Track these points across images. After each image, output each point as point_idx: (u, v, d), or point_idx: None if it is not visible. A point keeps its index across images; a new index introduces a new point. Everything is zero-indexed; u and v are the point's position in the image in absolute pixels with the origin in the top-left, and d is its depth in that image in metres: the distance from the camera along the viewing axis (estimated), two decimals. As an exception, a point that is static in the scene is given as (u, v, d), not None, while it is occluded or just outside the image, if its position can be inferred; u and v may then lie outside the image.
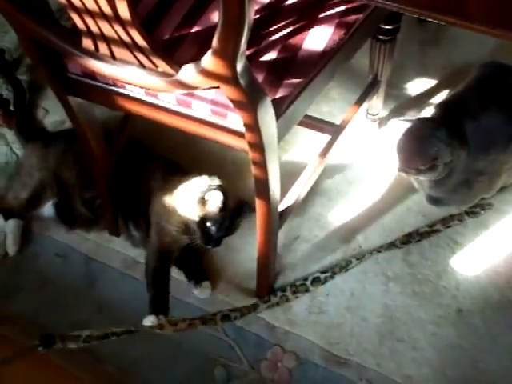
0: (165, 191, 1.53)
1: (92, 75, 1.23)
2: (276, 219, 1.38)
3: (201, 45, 1.21)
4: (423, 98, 1.88)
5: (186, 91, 1.09)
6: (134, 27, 0.97)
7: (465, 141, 1.46)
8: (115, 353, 1.51)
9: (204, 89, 1.03)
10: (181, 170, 1.62)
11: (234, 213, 1.49)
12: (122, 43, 1.02)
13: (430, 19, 0.91)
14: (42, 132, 1.88)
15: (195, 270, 1.61)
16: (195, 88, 1.03)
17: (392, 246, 1.63)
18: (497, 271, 1.59)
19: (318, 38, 1.23)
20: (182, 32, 1.24)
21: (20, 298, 1.62)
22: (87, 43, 1.07)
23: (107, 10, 0.95)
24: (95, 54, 1.08)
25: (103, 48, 1.06)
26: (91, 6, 0.96)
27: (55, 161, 1.67)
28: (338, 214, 1.71)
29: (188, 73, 1.00)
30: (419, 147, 1.44)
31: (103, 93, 1.25)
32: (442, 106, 1.55)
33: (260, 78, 1.16)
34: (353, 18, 1.27)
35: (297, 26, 1.25)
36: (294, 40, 1.22)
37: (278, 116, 1.12)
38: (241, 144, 1.15)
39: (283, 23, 1.25)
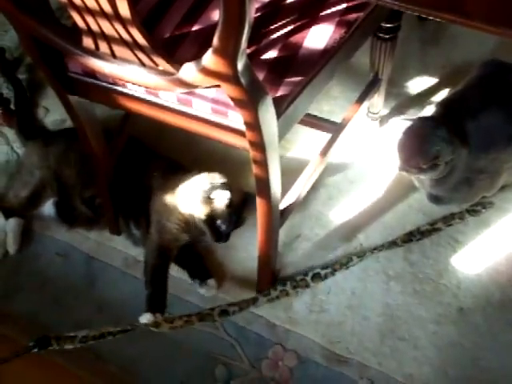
0: (165, 189, 1.54)
1: (92, 74, 1.23)
2: (277, 218, 1.38)
3: (201, 43, 1.21)
4: (424, 97, 1.88)
5: (186, 90, 1.08)
6: (135, 26, 0.97)
7: (465, 139, 1.46)
8: (115, 352, 1.51)
9: (205, 87, 1.03)
10: (181, 168, 1.62)
11: (239, 206, 1.52)
12: (122, 42, 1.02)
13: (430, 17, 0.91)
14: (42, 131, 1.88)
15: (198, 268, 1.60)
16: (196, 86, 1.03)
17: (393, 244, 1.62)
18: (498, 269, 1.59)
19: (318, 37, 1.23)
20: (183, 30, 1.24)
21: (20, 297, 1.62)
22: (88, 42, 1.07)
23: (107, 8, 0.95)
24: (96, 53, 1.08)
25: (104, 47, 1.06)
26: (91, 4, 0.96)
27: (56, 160, 1.66)
28: (339, 212, 1.70)
29: (189, 71, 1.00)
30: (420, 146, 1.44)
31: (103, 91, 1.25)
32: (442, 105, 1.54)
33: (261, 76, 1.16)
34: (353, 16, 1.27)
35: (297, 24, 1.24)
36: (295, 38, 1.22)
37: (278, 114, 1.12)
38: (241, 143, 1.15)
39: (284, 21, 1.25)
